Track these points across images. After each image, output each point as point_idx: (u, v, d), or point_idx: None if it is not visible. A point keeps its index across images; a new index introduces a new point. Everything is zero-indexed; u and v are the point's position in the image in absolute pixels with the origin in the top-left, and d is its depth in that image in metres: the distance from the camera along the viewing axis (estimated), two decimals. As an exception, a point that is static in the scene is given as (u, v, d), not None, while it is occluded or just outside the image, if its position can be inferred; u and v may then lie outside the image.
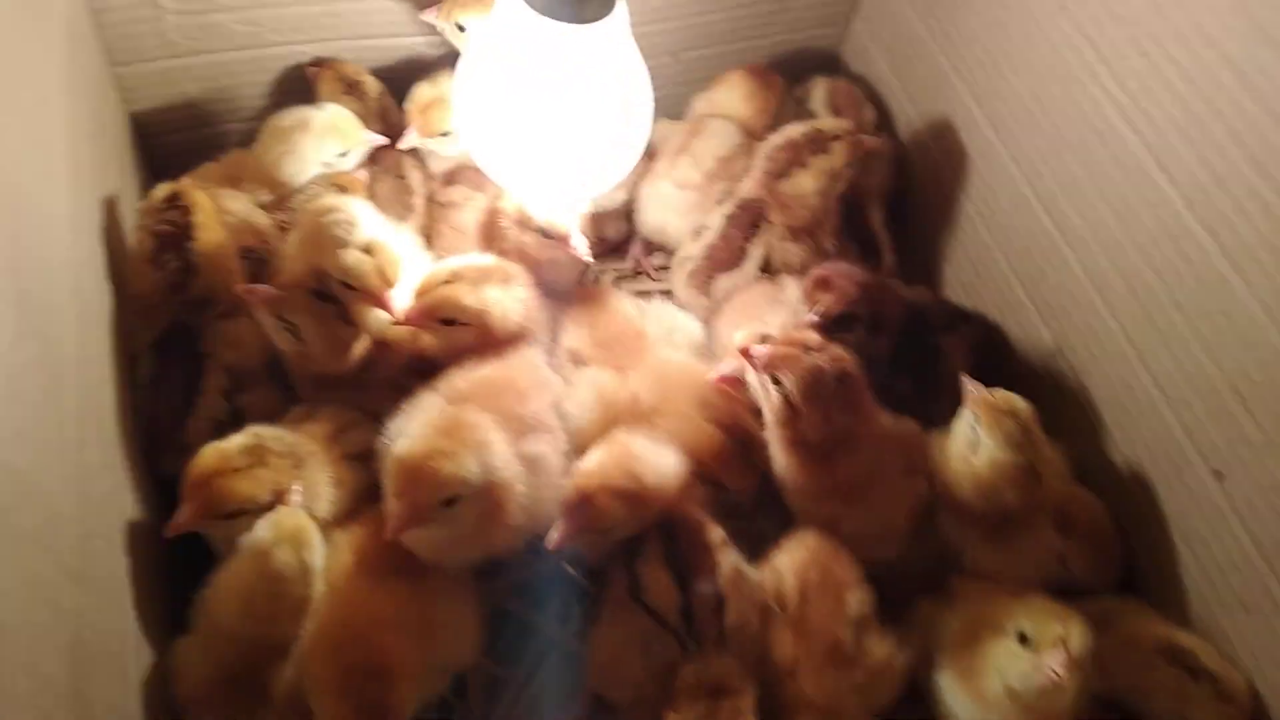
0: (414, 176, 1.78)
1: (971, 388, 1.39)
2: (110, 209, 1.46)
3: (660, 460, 1.35)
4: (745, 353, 1.41)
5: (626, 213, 1.90)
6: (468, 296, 1.45)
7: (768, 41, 2.00)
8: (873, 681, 1.30)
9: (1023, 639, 1.22)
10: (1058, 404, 1.57)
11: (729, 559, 1.34)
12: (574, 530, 1.29)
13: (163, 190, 1.46)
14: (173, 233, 1.42)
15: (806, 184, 1.67)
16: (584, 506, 1.28)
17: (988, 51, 1.64)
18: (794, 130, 1.71)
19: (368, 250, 1.41)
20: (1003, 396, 1.38)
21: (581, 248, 1.60)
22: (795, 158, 1.68)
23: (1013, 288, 1.66)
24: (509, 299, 1.49)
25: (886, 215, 1.88)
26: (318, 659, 1.16)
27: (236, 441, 1.29)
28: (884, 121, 1.95)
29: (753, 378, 1.42)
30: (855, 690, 1.28)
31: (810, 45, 2.00)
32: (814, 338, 1.42)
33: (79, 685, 1.01)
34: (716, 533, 1.36)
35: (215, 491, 1.24)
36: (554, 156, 1.45)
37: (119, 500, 1.26)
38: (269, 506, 1.26)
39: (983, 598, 1.36)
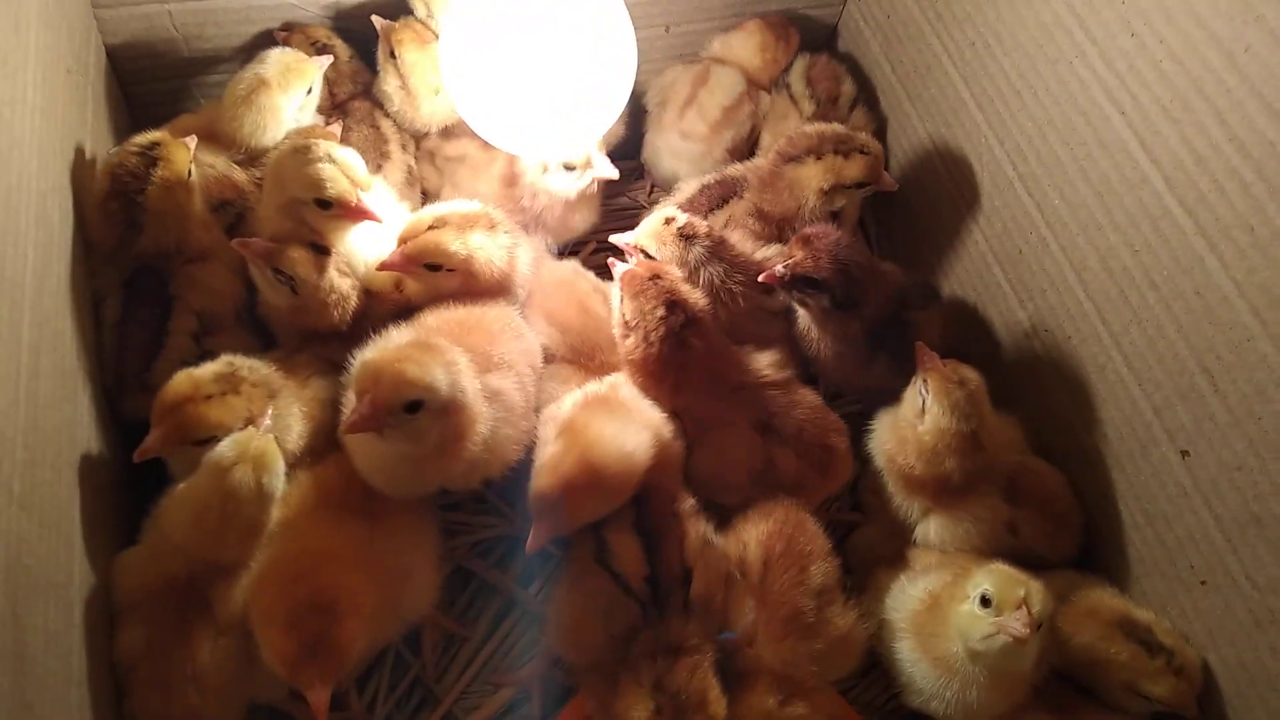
0: (386, 125, 1.75)
1: (924, 356, 1.40)
2: (81, 146, 1.44)
3: (625, 442, 1.30)
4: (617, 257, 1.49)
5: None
6: (453, 242, 1.43)
7: (762, 20, 1.98)
8: (832, 652, 1.30)
9: (984, 602, 1.21)
10: (1030, 384, 1.57)
11: (698, 529, 1.33)
12: (549, 535, 1.26)
13: (146, 136, 1.43)
14: (127, 181, 1.39)
15: (811, 175, 1.63)
16: (553, 512, 1.25)
17: (979, 32, 1.62)
18: (827, 126, 1.67)
19: (330, 161, 1.37)
20: (954, 366, 1.39)
21: (606, 168, 1.63)
22: (816, 148, 1.64)
23: (990, 268, 1.65)
24: (493, 245, 1.48)
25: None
26: (268, 590, 1.15)
27: (210, 368, 1.28)
28: (871, 101, 1.93)
29: (615, 286, 1.45)
30: (814, 659, 1.28)
31: (804, 25, 1.98)
32: (674, 274, 1.45)
33: (17, 610, 1.00)
34: (687, 502, 1.35)
35: (186, 417, 1.23)
36: (541, 105, 1.45)
37: (72, 434, 1.24)
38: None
39: (942, 565, 1.35)
